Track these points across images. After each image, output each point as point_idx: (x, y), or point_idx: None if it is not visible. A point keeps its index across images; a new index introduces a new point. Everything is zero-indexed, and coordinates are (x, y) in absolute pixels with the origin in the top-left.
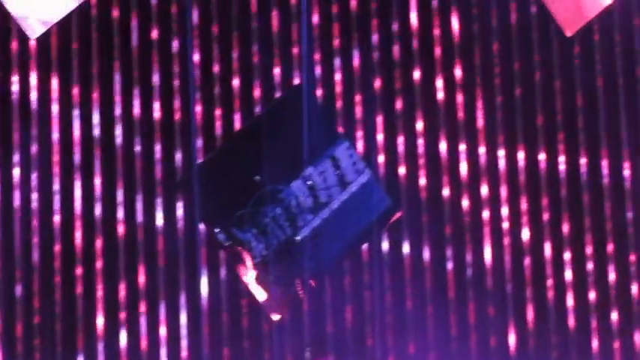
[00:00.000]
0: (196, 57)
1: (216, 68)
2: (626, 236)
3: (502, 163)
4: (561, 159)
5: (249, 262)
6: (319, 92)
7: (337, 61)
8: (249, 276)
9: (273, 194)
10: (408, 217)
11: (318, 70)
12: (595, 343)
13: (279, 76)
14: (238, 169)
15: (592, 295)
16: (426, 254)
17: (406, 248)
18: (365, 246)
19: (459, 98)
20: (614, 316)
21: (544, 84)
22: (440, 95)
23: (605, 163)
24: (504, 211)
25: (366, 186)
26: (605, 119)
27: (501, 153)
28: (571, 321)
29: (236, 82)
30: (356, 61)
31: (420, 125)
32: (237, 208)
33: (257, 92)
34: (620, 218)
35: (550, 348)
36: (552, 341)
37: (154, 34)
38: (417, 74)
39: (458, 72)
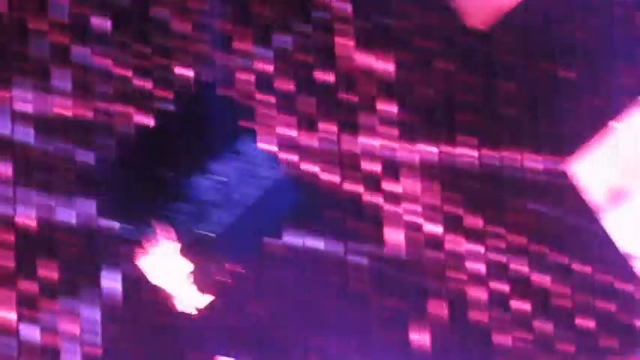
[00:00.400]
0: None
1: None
2: (529, 229)
3: (407, 158)
4: (468, 152)
5: (157, 256)
6: (225, 89)
7: (244, 60)
8: (156, 270)
9: (181, 190)
10: (313, 211)
11: (225, 68)
12: (497, 337)
13: (187, 74)
14: (147, 165)
15: (503, 287)
16: (331, 248)
17: (311, 242)
18: (272, 240)
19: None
20: (519, 305)
21: (445, 75)
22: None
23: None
24: (410, 204)
25: (274, 181)
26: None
27: (406, 148)
28: (475, 314)
29: (141, 81)
30: (263, 60)
31: (324, 123)
32: (146, 204)
33: (165, 91)
34: (525, 211)
35: (454, 342)
36: (456, 336)
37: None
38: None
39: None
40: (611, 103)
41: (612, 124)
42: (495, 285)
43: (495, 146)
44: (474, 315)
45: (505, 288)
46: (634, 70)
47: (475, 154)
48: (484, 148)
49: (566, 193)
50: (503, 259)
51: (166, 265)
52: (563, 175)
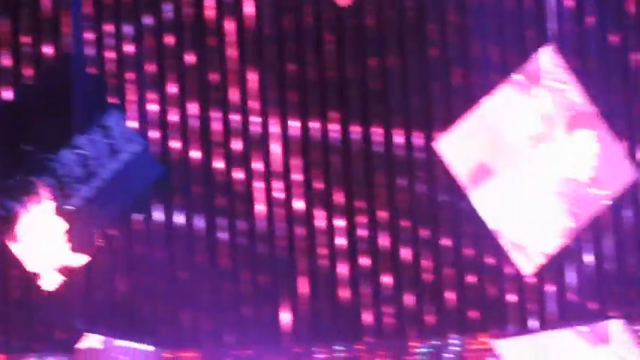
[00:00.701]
0: None
1: None
2: (396, 204)
3: (274, 134)
4: (334, 127)
5: (20, 229)
6: (93, 66)
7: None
8: (25, 240)
9: (43, 163)
10: (181, 188)
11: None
12: (366, 313)
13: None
14: (8, 139)
15: (365, 262)
16: (201, 225)
17: (180, 219)
18: (138, 215)
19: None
20: (386, 279)
21: (317, 56)
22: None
23: (377, 132)
24: (277, 181)
25: (138, 155)
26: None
27: (274, 124)
28: (344, 291)
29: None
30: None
31: (190, 100)
32: (6, 177)
33: (29, 68)
34: (391, 186)
35: (322, 318)
36: (325, 311)
37: None
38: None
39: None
40: (479, 82)
41: (480, 102)
42: (363, 260)
43: (364, 122)
44: (342, 292)
45: (370, 263)
46: (502, 49)
47: (342, 129)
48: (352, 123)
49: (434, 170)
50: (370, 234)
51: (37, 231)
52: (432, 151)
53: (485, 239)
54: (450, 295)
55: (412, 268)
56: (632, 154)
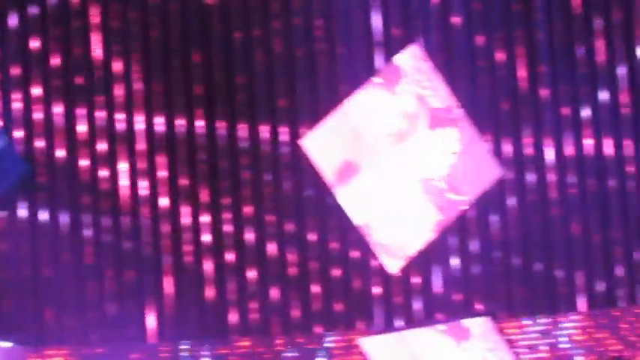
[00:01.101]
0: None
1: None
2: (262, 198)
3: (138, 130)
4: (199, 124)
5: None
6: None
7: None
8: None
9: None
10: (46, 186)
11: None
12: (231, 310)
13: None
14: None
15: (230, 257)
16: (64, 220)
17: (44, 216)
18: (2, 212)
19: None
20: (252, 274)
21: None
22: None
23: (243, 128)
24: (143, 179)
25: (1, 151)
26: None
27: (138, 120)
28: (210, 290)
29: None
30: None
31: (56, 100)
32: None
33: None
34: (257, 181)
35: (189, 317)
36: (190, 311)
37: None
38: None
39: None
40: (345, 80)
41: (345, 100)
42: (228, 256)
43: (230, 118)
44: (208, 290)
45: (235, 258)
46: (369, 49)
47: (206, 125)
48: (218, 120)
49: (301, 166)
50: (235, 230)
51: None
52: (297, 147)
53: (351, 234)
54: (315, 288)
55: (278, 262)
56: (497, 152)
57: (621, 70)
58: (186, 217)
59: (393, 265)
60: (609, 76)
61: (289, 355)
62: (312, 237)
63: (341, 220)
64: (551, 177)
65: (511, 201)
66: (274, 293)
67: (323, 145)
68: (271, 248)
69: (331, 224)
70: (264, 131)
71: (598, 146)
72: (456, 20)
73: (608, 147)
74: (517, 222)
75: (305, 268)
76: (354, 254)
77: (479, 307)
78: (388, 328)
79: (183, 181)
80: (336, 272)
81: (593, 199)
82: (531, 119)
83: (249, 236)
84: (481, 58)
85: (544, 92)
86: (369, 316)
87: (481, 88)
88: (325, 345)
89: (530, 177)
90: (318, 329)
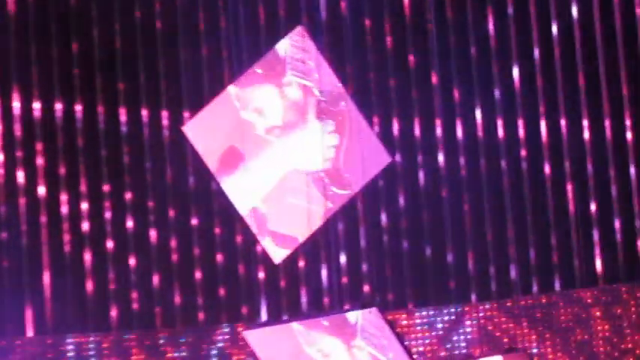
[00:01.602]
0: None
1: None
2: (145, 185)
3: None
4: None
5: None
6: None
7: None
8: None
9: None
10: None
11: None
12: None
13: None
14: None
15: (110, 245)
16: None
17: None
18: None
19: None
20: (132, 261)
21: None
22: None
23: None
24: (22, 168)
25: None
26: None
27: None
28: (90, 277)
29: None
30: None
31: None
32: None
33: None
34: (139, 166)
35: (68, 310)
36: (70, 306)
37: None
38: None
39: None
40: (229, 69)
41: (229, 88)
42: (109, 244)
43: (114, 105)
44: (89, 282)
45: (114, 246)
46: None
47: (83, 111)
48: (101, 105)
49: (186, 154)
50: (115, 217)
51: None
52: (181, 135)
53: (236, 221)
54: (199, 274)
55: (159, 249)
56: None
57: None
58: (64, 206)
59: (278, 255)
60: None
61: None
62: (196, 223)
63: (226, 207)
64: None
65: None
66: (156, 281)
67: (205, 131)
68: (152, 235)
69: (217, 211)
70: (145, 116)
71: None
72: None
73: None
74: (408, 210)
75: (188, 255)
76: (238, 241)
77: (366, 297)
78: (272, 320)
79: (64, 169)
80: (220, 258)
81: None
82: (422, 101)
83: (130, 224)
84: (369, 41)
85: (434, 75)
86: (254, 305)
87: (369, 71)
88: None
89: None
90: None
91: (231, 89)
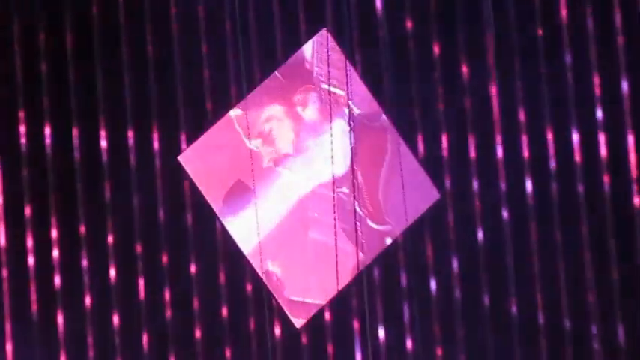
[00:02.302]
0: None
1: None
2: (132, 225)
3: None
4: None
5: None
6: None
7: None
8: None
9: None
10: None
11: None
12: None
13: None
14: None
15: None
16: None
17: None
18: None
19: None
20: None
21: None
22: None
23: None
24: None
25: None
26: None
27: None
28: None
29: None
30: None
31: None
32: None
33: None
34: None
35: None
36: None
37: None
38: None
39: None
40: (227, 97)
41: (230, 112)
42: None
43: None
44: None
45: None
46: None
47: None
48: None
49: (182, 188)
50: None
51: None
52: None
53: (244, 267)
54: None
55: (150, 304)
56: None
57: None
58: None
59: (298, 320)
60: None
61: None
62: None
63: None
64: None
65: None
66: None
67: (205, 161)
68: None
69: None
70: (131, 140)
71: None
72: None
73: None
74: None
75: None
76: (248, 290)
77: None
78: None
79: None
80: (225, 312)
81: None
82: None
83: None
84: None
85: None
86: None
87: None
88: None
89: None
90: None
91: (233, 112)
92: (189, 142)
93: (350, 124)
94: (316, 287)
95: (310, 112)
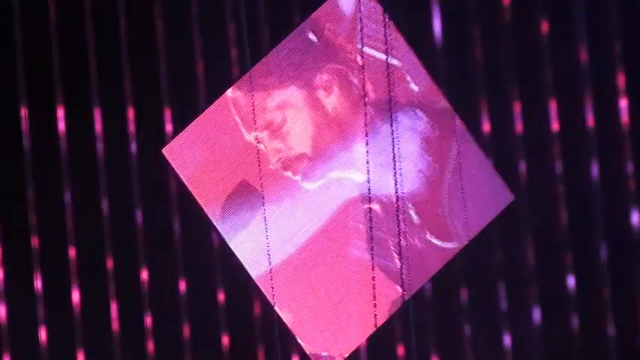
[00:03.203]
0: None
1: None
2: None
3: None
4: None
5: None
6: None
7: None
8: None
9: None
10: None
11: None
12: None
13: None
14: None
15: None
16: None
17: None
18: None
19: None
20: None
21: None
22: None
23: None
24: None
25: None
26: None
27: None
28: None
29: None
30: None
31: None
32: None
33: None
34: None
35: None
36: None
37: None
38: None
39: None
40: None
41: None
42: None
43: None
44: None
45: None
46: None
47: None
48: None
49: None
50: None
51: None
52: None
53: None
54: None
55: None
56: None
57: None
58: None
59: None
60: None
61: None
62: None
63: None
64: None
65: None
66: None
67: (196, 155)
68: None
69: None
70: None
71: None
72: None
73: None
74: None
75: None
76: (256, 324)
77: None
78: None
79: None
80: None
81: None
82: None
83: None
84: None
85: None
86: None
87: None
88: None
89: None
90: None
91: (231, 92)
92: (177, 130)
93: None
94: (352, 325)
95: (336, 100)
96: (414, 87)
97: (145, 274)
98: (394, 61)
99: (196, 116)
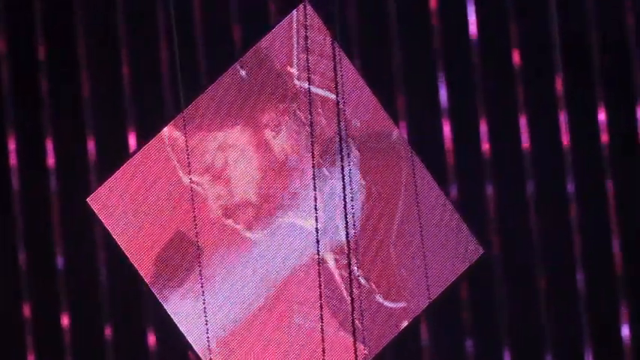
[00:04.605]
0: None
1: None
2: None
3: None
4: None
5: None
6: None
7: None
8: None
9: None
10: None
11: None
12: None
13: None
14: None
15: None
16: None
17: None
18: None
19: None
20: None
21: None
22: None
23: None
24: None
25: None
26: None
27: None
28: None
29: None
30: None
31: None
32: None
33: None
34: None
35: None
36: None
37: None
38: None
39: None
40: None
41: (164, 130)
42: None
43: None
44: None
45: None
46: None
47: None
48: None
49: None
50: None
51: None
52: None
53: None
54: None
55: None
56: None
57: None
58: None
59: None
60: None
61: None
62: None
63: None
64: None
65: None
66: None
67: (125, 204)
68: None
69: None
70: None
71: None
72: None
73: None
74: None
75: None
76: None
77: None
78: None
79: None
80: None
81: None
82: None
83: None
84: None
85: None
86: None
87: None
88: None
89: None
90: None
91: (167, 131)
92: (101, 177)
93: (341, 145)
94: None
95: (285, 141)
96: (358, 122)
97: (65, 320)
98: (330, 95)
99: (125, 160)
